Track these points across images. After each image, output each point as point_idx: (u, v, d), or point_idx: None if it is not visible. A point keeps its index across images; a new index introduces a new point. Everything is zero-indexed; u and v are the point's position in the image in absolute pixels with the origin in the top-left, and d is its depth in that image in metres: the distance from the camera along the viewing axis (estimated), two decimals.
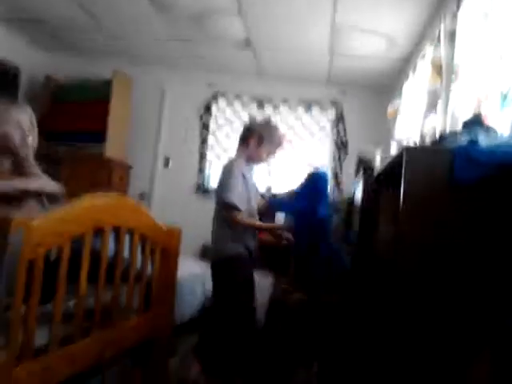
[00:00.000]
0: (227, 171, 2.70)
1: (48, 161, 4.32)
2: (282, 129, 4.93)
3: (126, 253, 1.91)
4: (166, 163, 5.12)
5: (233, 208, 2.58)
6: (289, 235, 2.83)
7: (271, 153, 2.86)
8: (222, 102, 5.14)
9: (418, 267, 1.67)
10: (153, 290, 2.12)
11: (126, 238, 1.89)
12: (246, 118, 5.04)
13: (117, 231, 1.83)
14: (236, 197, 2.59)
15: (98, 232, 1.70)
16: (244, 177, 2.70)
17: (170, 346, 2.35)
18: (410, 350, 1.65)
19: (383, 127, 4.48)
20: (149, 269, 2.10)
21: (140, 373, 2.13)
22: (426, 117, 2.90)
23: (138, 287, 2.02)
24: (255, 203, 2.83)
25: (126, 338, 1.91)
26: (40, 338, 1.46)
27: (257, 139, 2.79)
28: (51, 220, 1.47)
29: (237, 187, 2.62)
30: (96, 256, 1.68)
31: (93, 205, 1.68)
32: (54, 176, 4.25)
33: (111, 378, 1.87)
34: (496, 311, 1.51)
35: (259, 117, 4.93)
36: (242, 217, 2.62)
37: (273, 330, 3.19)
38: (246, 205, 2.65)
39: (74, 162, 4.46)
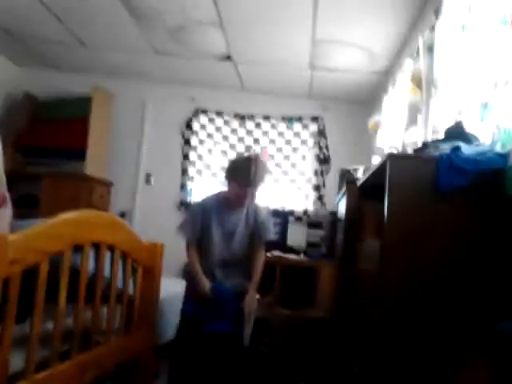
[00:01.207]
0: None
1: (27, 179, 4.26)
2: (265, 145, 4.95)
3: (106, 271, 1.84)
4: (148, 180, 5.05)
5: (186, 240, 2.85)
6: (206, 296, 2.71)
7: (241, 190, 2.70)
8: (203, 118, 5.11)
9: (405, 279, 1.64)
10: (134, 309, 2.05)
11: (107, 256, 1.83)
12: (227, 133, 5.03)
13: (97, 248, 1.77)
14: (185, 230, 2.83)
15: (77, 249, 1.64)
16: (209, 214, 2.80)
17: (152, 368, 2.27)
18: (401, 364, 1.62)
19: (364, 141, 4.50)
20: (130, 287, 2.03)
21: None
22: (407, 129, 2.91)
23: (120, 307, 1.95)
24: (228, 244, 2.82)
25: (106, 360, 1.83)
26: (15, 362, 1.38)
27: (226, 179, 2.79)
28: (28, 235, 1.40)
29: (189, 222, 2.85)
30: (75, 274, 1.61)
31: (72, 220, 1.62)
32: (34, 195, 4.20)
33: None
34: (487, 316, 1.49)
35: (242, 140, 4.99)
36: (191, 252, 2.82)
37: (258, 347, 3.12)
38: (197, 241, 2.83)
39: (54, 180, 4.40)
